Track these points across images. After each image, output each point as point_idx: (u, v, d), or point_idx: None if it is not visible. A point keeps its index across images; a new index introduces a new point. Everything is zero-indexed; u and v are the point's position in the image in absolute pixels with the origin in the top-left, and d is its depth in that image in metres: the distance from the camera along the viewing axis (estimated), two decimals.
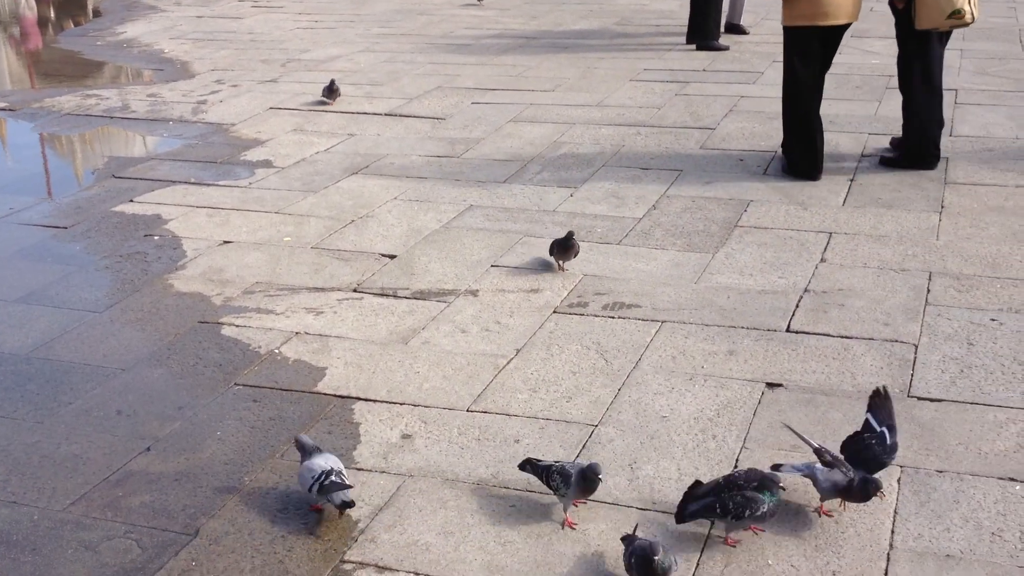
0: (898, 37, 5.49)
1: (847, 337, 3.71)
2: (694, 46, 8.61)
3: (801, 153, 5.46)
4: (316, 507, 2.88)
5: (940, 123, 5.52)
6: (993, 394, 3.30)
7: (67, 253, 4.84)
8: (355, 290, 4.31)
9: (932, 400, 3.28)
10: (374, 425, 3.30)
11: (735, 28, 9.14)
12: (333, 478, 2.80)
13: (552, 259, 4.44)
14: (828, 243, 4.56)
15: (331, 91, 6.85)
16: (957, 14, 5.13)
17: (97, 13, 12.16)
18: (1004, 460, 2.96)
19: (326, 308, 4.14)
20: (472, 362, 3.66)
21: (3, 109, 7.57)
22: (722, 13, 8.82)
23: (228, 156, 6.17)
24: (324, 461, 2.85)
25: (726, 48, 8.54)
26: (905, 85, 5.51)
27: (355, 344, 3.84)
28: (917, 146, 5.50)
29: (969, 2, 5.13)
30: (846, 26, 5.33)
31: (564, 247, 4.38)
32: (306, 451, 2.90)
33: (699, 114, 6.67)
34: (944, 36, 5.43)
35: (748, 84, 7.39)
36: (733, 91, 7.16)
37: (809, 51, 5.32)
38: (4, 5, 14.09)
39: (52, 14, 13.18)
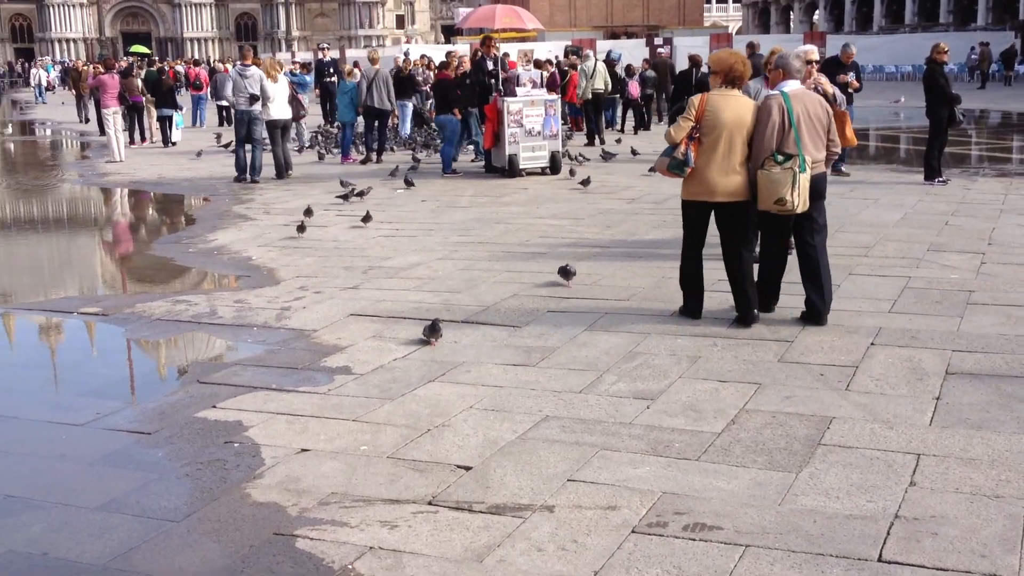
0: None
1: (942, 569, 3.54)
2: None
3: (689, 298, 6.94)
4: None
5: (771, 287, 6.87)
6: None
7: (149, 459, 4.90)
8: (430, 503, 4.27)
9: None
10: None
11: None
12: None
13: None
14: (917, 465, 4.43)
15: (433, 331, 6.61)
16: (780, 201, 6.34)
17: (191, 221, 12.77)
18: None
19: (400, 522, 4.10)
20: None
21: (96, 314, 7.87)
22: None
23: (309, 362, 6.29)
24: None
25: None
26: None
27: (429, 561, 3.77)
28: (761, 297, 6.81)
29: (793, 194, 6.29)
30: (733, 205, 6.58)
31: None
32: None
33: (776, 326, 6.66)
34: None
35: None
36: None
37: (697, 220, 6.77)
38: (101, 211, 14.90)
39: (147, 217, 13.91)
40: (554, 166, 15.35)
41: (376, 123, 17.79)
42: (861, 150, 17.46)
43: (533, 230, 10.66)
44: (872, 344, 6.23)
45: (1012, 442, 4.64)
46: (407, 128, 21.05)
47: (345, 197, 12.81)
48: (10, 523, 4.23)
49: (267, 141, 15.79)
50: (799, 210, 6.39)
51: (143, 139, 22.81)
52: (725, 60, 6.59)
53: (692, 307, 6.93)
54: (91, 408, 5.64)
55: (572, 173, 14.88)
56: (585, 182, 13.79)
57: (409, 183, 14.05)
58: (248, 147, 15.49)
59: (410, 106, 20.90)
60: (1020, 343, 6.08)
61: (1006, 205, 11.52)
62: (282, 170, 15.68)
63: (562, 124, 22.50)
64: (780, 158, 6.33)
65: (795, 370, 5.80)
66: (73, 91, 33.36)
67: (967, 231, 9.88)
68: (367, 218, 11.19)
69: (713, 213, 6.72)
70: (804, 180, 6.33)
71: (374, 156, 17.75)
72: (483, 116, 15.70)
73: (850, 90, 12.49)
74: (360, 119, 18.17)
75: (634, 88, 22.77)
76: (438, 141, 17.89)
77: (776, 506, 4.10)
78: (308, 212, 11.45)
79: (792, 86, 6.62)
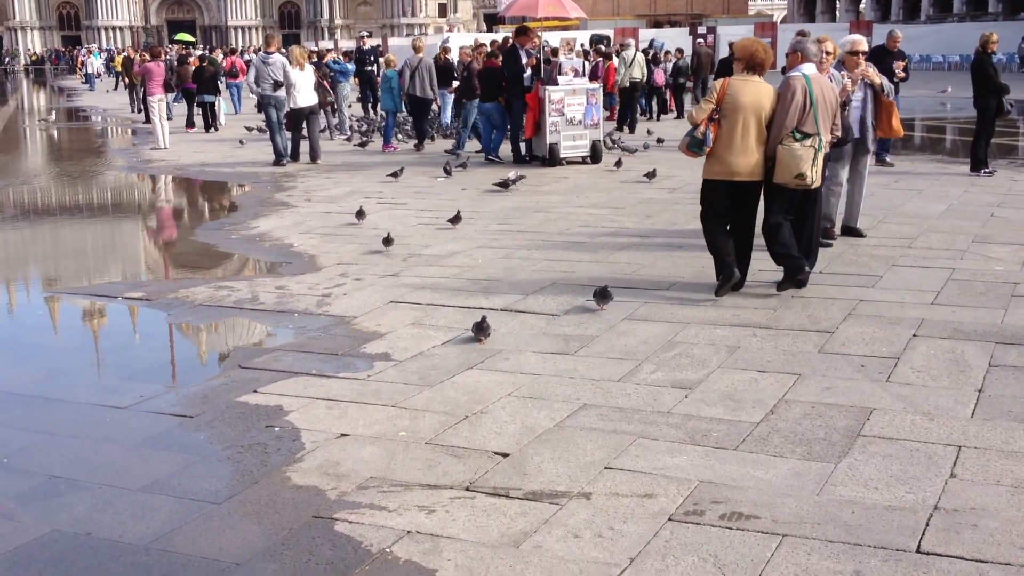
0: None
1: (982, 561, 3.51)
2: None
3: (720, 260, 7.13)
4: None
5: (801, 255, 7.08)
6: None
7: (191, 442, 4.97)
8: (467, 488, 4.29)
9: None
10: None
11: (852, 231, 9.15)
12: None
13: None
14: (957, 457, 4.39)
15: (481, 328, 6.41)
16: (801, 176, 6.73)
17: (233, 208, 12.89)
18: None
19: (438, 507, 4.13)
20: (585, 570, 3.58)
21: (140, 299, 7.98)
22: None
23: (349, 348, 6.34)
24: None
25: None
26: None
27: (466, 546, 3.79)
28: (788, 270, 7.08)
29: (812, 170, 6.73)
30: (750, 184, 6.96)
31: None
32: None
33: (817, 317, 6.62)
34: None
35: (867, 288, 7.33)
36: (852, 294, 7.11)
37: (718, 198, 7.06)
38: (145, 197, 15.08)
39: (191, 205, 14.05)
40: (595, 155, 15.29)
41: (419, 111, 17.83)
42: (906, 141, 17.24)
43: (573, 219, 10.65)
44: (914, 336, 6.16)
45: None
46: (448, 117, 21.07)
47: (504, 185, 12.68)
48: (55, 503, 4.31)
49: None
50: (814, 186, 6.91)
51: (191, 125, 23.15)
52: (748, 48, 7.04)
53: (725, 270, 7.10)
54: (134, 391, 5.72)
55: (619, 164, 14.78)
56: (651, 175, 13.27)
57: (448, 171, 14.07)
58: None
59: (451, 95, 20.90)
60: None
61: None
62: (313, 154, 16.08)
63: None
64: (799, 136, 6.76)
65: (835, 361, 5.76)
66: (125, 79, 33.84)
67: (1013, 223, 9.74)
68: (456, 219, 10.25)
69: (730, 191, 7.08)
70: (821, 158, 6.87)
71: (419, 144, 17.82)
72: (509, 107, 15.55)
73: (896, 79, 12.31)
74: (403, 107, 18.24)
75: (659, 77, 23.22)
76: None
77: (814, 496, 4.08)
78: (361, 212, 10.82)
79: (810, 69, 7.02)
